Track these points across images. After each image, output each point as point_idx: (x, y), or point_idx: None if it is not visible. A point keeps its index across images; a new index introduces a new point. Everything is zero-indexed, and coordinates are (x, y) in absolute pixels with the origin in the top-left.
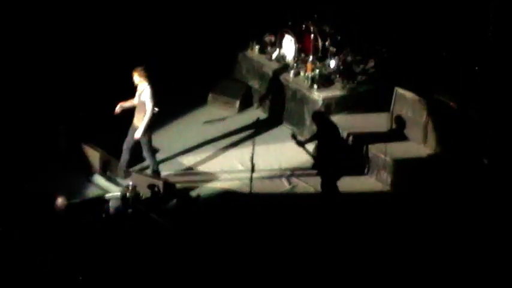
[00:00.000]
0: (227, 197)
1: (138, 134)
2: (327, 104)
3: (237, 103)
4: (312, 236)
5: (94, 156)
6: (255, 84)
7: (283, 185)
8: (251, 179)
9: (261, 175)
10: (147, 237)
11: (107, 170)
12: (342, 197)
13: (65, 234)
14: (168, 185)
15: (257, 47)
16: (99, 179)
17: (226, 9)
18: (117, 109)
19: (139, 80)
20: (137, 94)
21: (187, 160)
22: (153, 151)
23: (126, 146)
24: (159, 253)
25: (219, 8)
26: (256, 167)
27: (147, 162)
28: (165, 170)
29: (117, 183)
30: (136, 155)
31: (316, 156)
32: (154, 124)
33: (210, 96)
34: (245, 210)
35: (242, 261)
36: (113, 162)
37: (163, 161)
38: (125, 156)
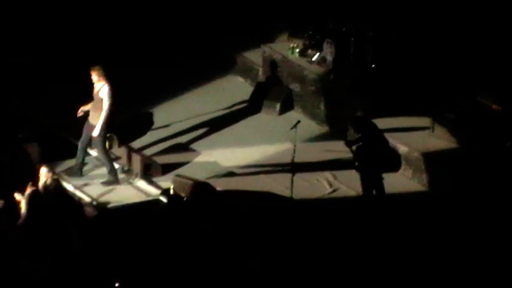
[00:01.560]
0: (268, 200)
1: (96, 132)
2: (365, 108)
3: (278, 106)
4: (354, 240)
5: (135, 159)
6: (295, 87)
7: (325, 188)
8: (292, 181)
9: (302, 178)
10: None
11: (148, 173)
12: (385, 199)
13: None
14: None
15: (297, 50)
16: (140, 182)
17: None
18: (79, 112)
19: (98, 79)
20: (94, 92)
21: (227, 163)
22: (107, 151)
23: (81, 145)
24: (201, 256)
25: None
26: (297, 170)
27: (77, 159)
28: (206, 174)
29: (158, 187)
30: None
31: (358, 158)
32: (111, 125)
33: (250, 99)
34: (286, 213)
35: (283, 265)
36: (154, 166)
37: (203, 164)
38: (80, 155)
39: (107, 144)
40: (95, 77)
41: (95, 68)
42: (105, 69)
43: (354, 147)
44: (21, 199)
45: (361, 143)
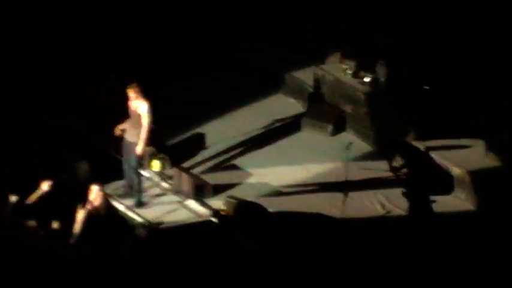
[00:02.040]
0: (318, 221)
1: (139, 150)
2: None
3: (330, 127)
4: (405, 262)
5: (187, 180)
6: (347, 108)
7: (377, 210)
8: (344, 203)
9: (354, 199)
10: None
11: (199, 194)
12: (433, 222)
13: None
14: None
15: (350, 71)
16: (191, 203)
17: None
18: (117, 131)
19: (135, 96)
20: (131, 110)
21: (279, 184)
22: (139, 170)
23: (126, 165)
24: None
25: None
26: (349, 191)
27: (127, 179)
28: (257, 194)
29: (209, 208)
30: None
31: (408, 183)
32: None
33: (302, 120)
34: (337, 234)
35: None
36: (205, 186)
37: (255, 184)
38: (130, 176)
39: (160, 165)
40: (132, 95)
41: (131, 86)
42: (142, 87)
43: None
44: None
45: (406, 169)
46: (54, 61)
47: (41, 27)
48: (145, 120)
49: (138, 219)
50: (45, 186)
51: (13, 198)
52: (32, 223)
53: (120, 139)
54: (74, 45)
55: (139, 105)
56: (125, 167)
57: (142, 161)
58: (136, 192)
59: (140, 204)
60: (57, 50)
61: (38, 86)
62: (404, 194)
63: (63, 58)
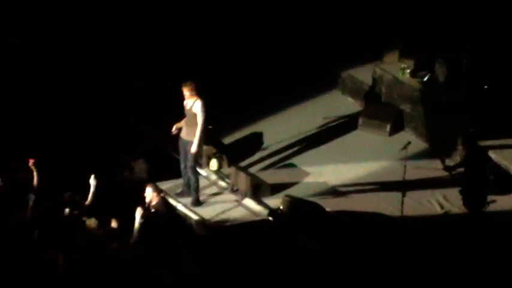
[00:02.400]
0: (376, 220)
1: (193, 148)
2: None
3: (388, 127)
4: (465, 262)
5: (244, 179)
6: (406, 108)
7: (435, 209)
8: (402, 202)
9: (412, 198)
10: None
11: (257, 193)
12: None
13: None
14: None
15: (408, 70)
16: (249, 202)
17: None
18: (173, 130)
19: (190, 94)
20: (187, 109)
21: (337, 183)
22: (197, 169)
23: (183, 164)
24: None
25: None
26: (407, 190)
27: (184, 178)
28: (315, 194)
29: (267, 207)
30: None
31: (464, 183)
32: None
33: (360, 119)
34: (395, 234)
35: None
36: (263, 185)
37: (312, 184)
38: (188, 175)
39: (217, 164)
40: (187, 92)
41: (186, 84)
42: (197, 84)
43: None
44: (136, 218)
45: (462, 168)
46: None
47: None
48: (200, 118)
49: (196, 217)
50: (92, 180)
51: (67, 195)
52: (91, 222)
53: (176, 138)
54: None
55: (194, 104)
56: (182, 165)
57: (199, 160)
58: (193, 191)
59: (197, 203)
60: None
61: None
62: (462, 193)
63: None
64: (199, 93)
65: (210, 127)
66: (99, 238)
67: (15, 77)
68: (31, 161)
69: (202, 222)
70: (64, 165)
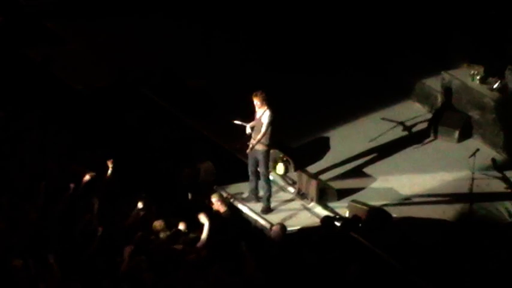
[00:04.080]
0: (443, 228)
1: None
2: None
3: (456, 133)
4: None
5: (311, 184)
6: (475, 114)
7: (504, 217)
8: (470, 210)
9: (480, 207)
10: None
11: (323, 199)
12: None
13: None
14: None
15: (478, 76)
16: (315, 207)
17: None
18: (236, 121)
19: (260, 104)
20: (256, 118)
21: (404, 190)
22: (270, 177)
23: (251, 170)
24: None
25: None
26: (475, 199)
27: (250, 184)
28: (381, 200)
29: (334, 212)
30: None
31: None
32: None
33: (428, 126)
34: (464, 242)
35: None
36: (329, 191)
37: (379, 190)
38: (253, 181)
39: (284, 168)
40: (257, 102)
41: (257, 94)
42: (266, 95)
43: None
44: (206, 221)
45: None
46: None
47: None
48: (264, 127)
49: (262, 222)
50: (110, 164)
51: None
52: (158, 224)
53: (246, 142)
54: None
55: (264, 113)
56: (250, 171)
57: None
58: (265, 200)
59: (268, 210)
60: None
61: None
62: None
63: None
64: (268, 103)
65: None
66: (165, 240)
67: None
68: (110, 161)
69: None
70: (135, 167)
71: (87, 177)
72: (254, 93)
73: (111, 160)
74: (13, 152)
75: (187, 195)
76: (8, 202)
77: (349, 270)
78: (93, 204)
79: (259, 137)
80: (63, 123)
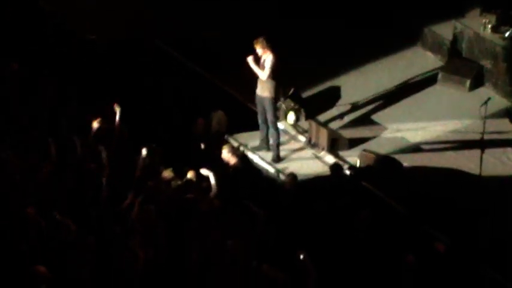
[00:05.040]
0: (455, 177)
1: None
2: None
3: (468, 82)
4: None
5: (322, 133)
6: (486, 63)
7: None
8: (481, 159)
9: (491, 155)
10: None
11: (334, 148)
12: None
13: None
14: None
15: (490, 25)
16: (326, 156)
17: None
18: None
19: (263, 51)
20: (261, 63)
21: (415, 139)
22: (277, 125)
23: (261, 118)
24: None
25: None
26: (486, 147)
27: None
28: (393, 149)
29: (345, 161)
30: None
31: None
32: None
33: (440, 74)
34: (474, 191)
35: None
36: (341, 140)
37: (390, 139)
38: (263, 129)
39: (295, 117)
40: (259, 50)
41: (258, 40)
42: (268, 40)
43: None
44: (209, 173)
45: None
46: None
47: None
48: (266, 71)
49: (273, 170)
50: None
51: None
52: (168, 173)
53: (254, 90)
54: None
55: (267, 58)
56: (260, 120)
57: (277, 113)
58: (275, 147)
59: (278, 158)
60: None
61: None
62: None
63: None
64: (270, 47)
65: (293, 88)
66: (175, 188)
67: None
68: (116, 104)
69: (279, 175)
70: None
71: (95, 124)
72: (255, 40)
73: (116, 104)
74: (24, 105)
75: (200, 146)
76: (21, 156)
77: (359, 217)
78: (100, 152)
79: (263, 79)
80: (73, 74)
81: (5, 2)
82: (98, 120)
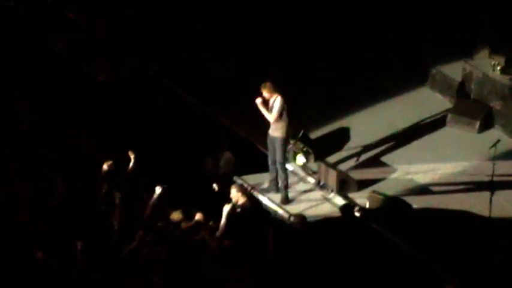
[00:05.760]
0: (465, 219)
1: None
2: None
3: (477, 124)
4: None
5: (331, 174)
6: (496, 105)
7: None
8: (491, 201)
9: (501, 197)
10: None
11: (344, 189)
12: None
13: None
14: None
15: (499, 67)
16: (335, 198)
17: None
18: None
19: (270, 95)
20: (270, 105)
21: (424, 180)
22: (286, 166)
23: (271, 159)
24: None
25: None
26: (496, 189)
27: (271, 174)
28: (402, 190)
29: (354, 203)
30: None
31: None
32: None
33: (449, 116)
34: (484, 233)
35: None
36: (350, 181)
37: (399, 180)
38: (273, 170)
39: (304, 159)
40: (266, 94)
41: (265, 85)
42: (275, 83)
43: None
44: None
45: None
46: None
47: None
48: (274, 113)
49: (284, 213)
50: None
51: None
52: (176, 215)
53: (265, 131)
54: None
55: (275, 101)
56: (270, 161)
57: (287, 155)
58: (283, 189)
59: (286, 200)
60: None
61: None
62: None
63: None
64: (278, 91)
65: (302, 130)
66: (184, 230)
67: None
68: (131, 152)
69: (290, 218)
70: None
71: (105, 167)
72: (262, 85)
73: (132, 151)
74: (34, 142)
75: (210, 186)
76: (28, 192)
77: (368, 258)
78: (115, 199)
79: (271, 121)
80: (84, 113)
81: (14, 42)
82: (109, 163)
